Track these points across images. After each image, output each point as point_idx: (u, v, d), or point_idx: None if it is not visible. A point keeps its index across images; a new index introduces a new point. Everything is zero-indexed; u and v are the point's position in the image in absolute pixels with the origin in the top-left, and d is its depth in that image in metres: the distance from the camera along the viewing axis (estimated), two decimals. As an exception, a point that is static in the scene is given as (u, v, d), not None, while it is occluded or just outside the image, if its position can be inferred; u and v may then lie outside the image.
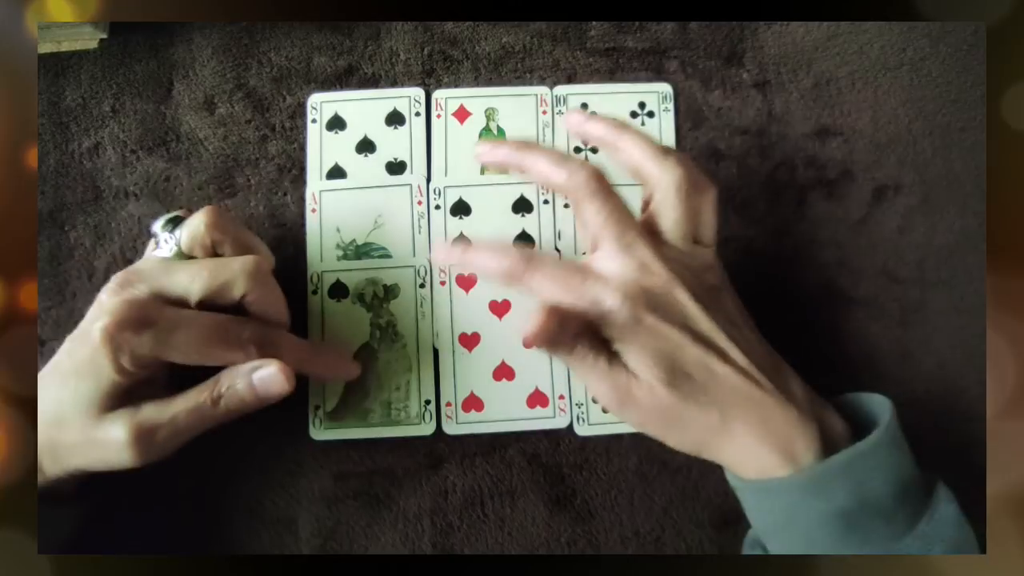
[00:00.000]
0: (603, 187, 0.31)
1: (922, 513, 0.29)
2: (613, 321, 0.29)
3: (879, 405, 0.31)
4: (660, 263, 0.30)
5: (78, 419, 0.28)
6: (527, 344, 0.28)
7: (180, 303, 0.30)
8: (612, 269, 0.30)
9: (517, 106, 0.39)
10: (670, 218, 0.32)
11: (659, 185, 0.32)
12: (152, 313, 0.28)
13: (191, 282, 0.29)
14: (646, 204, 0.33)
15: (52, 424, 0.28)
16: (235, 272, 0.30)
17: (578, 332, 0.29)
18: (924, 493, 0.29)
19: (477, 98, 0.39)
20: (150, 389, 0.30)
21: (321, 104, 0.39)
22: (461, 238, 0.37)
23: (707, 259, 0.32)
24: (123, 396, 0.29)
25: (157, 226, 0.32)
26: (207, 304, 0.30)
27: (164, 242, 0.31)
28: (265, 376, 0.30)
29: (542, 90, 0.39)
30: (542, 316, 0.28)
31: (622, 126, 0.33)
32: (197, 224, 0.31)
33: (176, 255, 0.31)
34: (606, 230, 0.31)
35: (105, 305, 0.28)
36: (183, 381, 0.30)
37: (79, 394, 0.28)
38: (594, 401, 0.36)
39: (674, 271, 0.30)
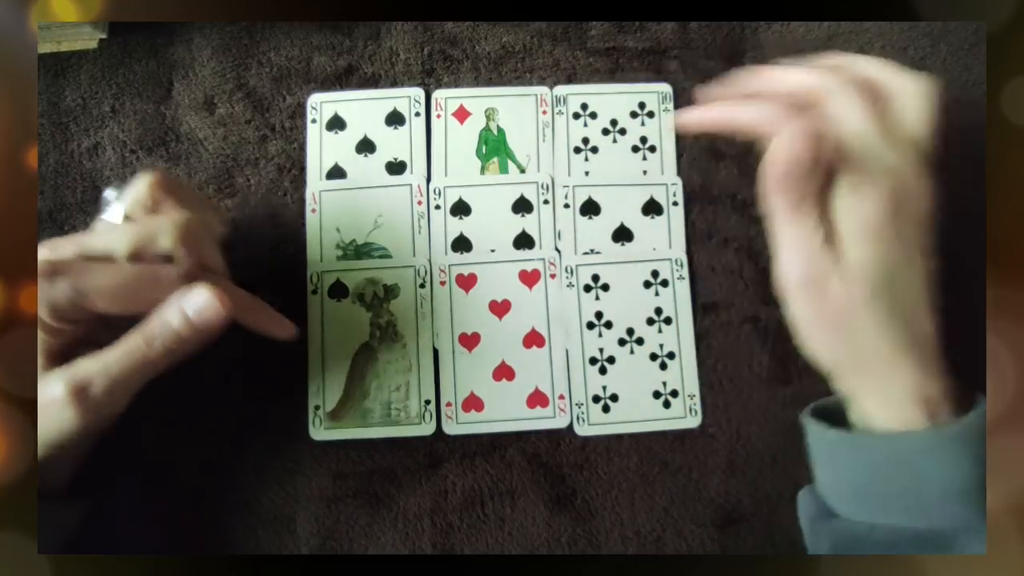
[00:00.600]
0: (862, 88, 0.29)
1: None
2: (876, 195, 0.27)
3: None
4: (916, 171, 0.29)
5: None
6: (780, 157, 0.26)
7: (107, 260, 0.28)
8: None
9: (517, 106, 0.39)
10: (911, 120, 0.30)
11: (907, 90, 0.30)
12: (66, 263, 0.27)
13: (118, 237, 0.28)
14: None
15: None
16: (162, 226, 0.28)
17: (817, 189, 0.27)
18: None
19: (477, 98, 0.39)
20: (91, 351, 0.28)
21: (321, 104, 0.39)
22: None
23: None
24: (59, 357, 0.28)
25: (109, 192, 0.31)
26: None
27: (110, 205, 0.30)
28: (198, 303, 0.27)
29: (542, 90, 0.39)
30: (805, 133, 0.26)
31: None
32: (140, 185, 0.30)
33: (124, 219, 0.30)
34: (871, 127, 0.29)
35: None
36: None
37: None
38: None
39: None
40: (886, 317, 0.28)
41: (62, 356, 0.28)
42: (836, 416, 0.31)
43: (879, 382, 0.29)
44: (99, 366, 0.27)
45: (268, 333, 0.32)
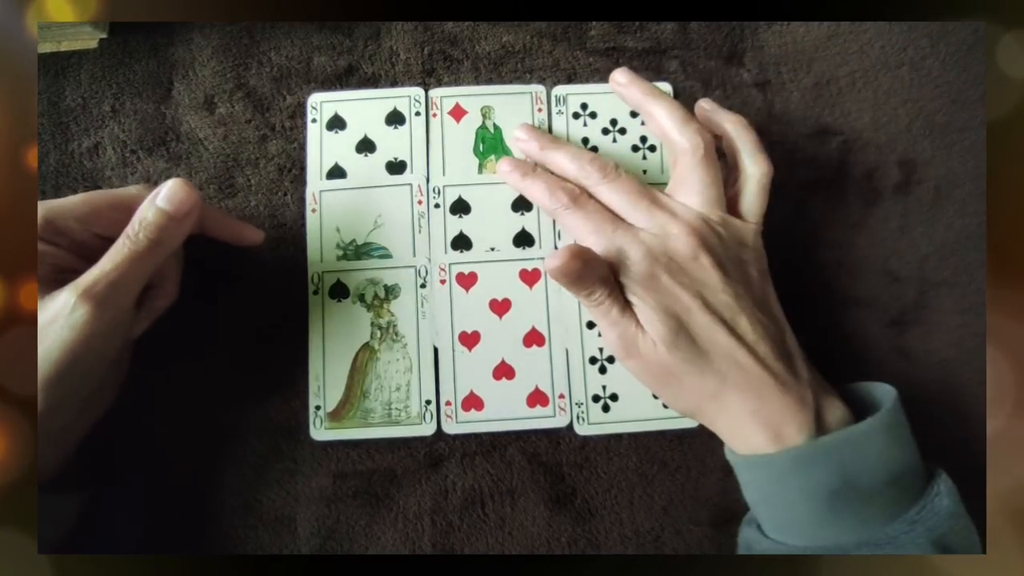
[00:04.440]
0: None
1: (914, 502, 0.29)
2: (630, 273, 0.31)
3: (885, 394, 0.31)
4: (687, 229, 0.31)
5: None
6: (550, 273, 0.30)
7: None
8: (643, 225, 0.32)
9: (512, 104, 0.39)
10: (691, 184, 0.33)
11: (679, 151, 0.33)
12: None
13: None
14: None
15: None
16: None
17: (602, 277, 0.31)
18: (921, 484, 0.30)
19: (472, 96, 0.39)
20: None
21: (321, 104, 0.39)
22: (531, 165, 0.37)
23: (742, 233, 0.33)
24: (59, 278, 0.29)
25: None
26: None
27: None
28: (167, 193, 0.30)
29: (537, 88, 0.39)
30: (567, 255, 0.29)
31: (656, 93, 0.35)
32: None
33: None
34: (640, 192, 0.33)
35: None
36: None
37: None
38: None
39: (700, 238, 0.31)
40: (692, 361, 0.30)
41: (62, 275, 0.30)
42: None
43: (720, 416, 0.31)
44: (97, 271, 0.29)
45: (239, 240, 0.35)
